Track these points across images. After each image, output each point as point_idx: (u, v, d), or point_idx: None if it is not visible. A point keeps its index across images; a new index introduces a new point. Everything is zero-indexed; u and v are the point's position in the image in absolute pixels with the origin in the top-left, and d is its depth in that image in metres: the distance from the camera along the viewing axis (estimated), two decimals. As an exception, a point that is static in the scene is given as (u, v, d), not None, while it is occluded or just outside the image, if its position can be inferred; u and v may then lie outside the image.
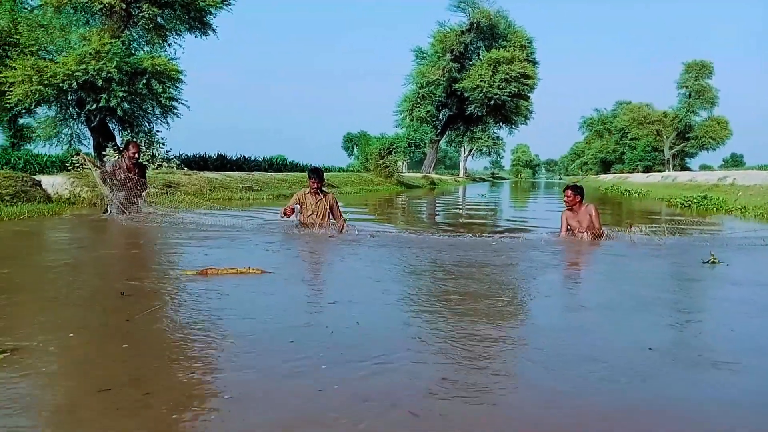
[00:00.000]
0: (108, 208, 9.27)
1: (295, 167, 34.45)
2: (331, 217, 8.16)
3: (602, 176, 64.42)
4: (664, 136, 66.40)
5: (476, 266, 5.48)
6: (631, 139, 72.58)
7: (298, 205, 8.14)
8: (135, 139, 16.05)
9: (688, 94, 63.65)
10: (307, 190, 8.23)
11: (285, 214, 7.93)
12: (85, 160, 9.59)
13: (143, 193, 9.45)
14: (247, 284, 4.45)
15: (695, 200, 17.55)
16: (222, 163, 27.92)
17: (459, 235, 7.96)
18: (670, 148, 66.09)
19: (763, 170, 30.46)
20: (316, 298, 4.29)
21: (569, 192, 7.80)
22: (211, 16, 22.12)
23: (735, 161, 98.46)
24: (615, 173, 67.46)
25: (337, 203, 8.32)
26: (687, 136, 65.69)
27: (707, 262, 5.69)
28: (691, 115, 64.34)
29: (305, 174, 25.53)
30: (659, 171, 57.01)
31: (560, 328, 3.46)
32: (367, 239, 7.22)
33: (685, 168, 64.52)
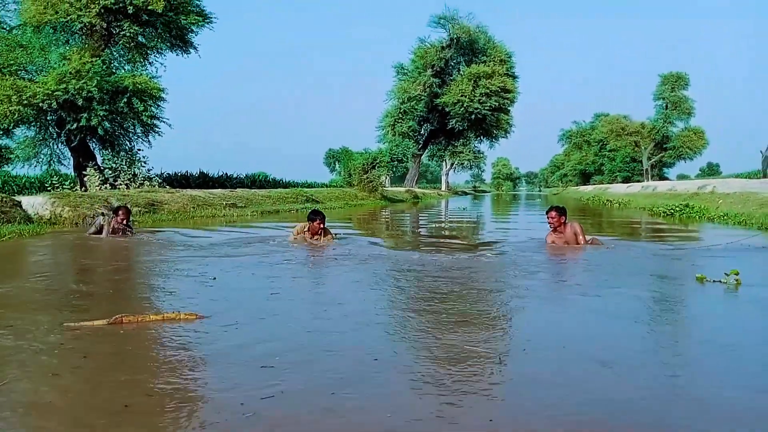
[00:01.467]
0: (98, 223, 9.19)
1: (278, 184, 34.42)
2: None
3: (582, 187, 65.08)
4: (642, 147, 67.21)
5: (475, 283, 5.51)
6: (610, 151, 73.37)
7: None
8: (124, 197, 14.66)
9: (664, 105, 64.59)
10: (306, 228, 8.08)
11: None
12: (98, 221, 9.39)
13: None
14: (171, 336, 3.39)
15: (677, 209, 17.77)
16: (204, 181, 27.81)
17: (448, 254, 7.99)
18: (649, 158, 66.89)
19: (740, 178, 31.01)
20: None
21: (553, 213, 7.72)
22: (193, 35, 22.13)
23: (711, 170, 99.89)
24: (595, 184, 68.17)
25: (331, 240, 8.24)
26: (664, 146, 66.58)
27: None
28: (668, 126, 65.25)
29: (288, 191, 25.63)
30: (638, 181, 57.67)
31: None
32: (357, 261, 7.21)
33: (663, 178, 65.36)
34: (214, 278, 5.34)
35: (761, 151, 34.97)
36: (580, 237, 7.67)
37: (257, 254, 7.16)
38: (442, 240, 10.13)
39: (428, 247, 8.21)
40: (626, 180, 64.18)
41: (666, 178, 64.09)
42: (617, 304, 4.51)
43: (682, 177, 71.81)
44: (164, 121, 21.19)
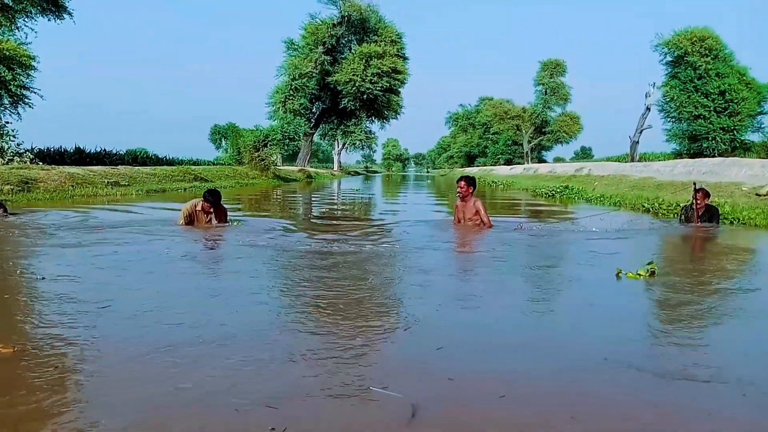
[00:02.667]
0: None
1: (160, 161, 32.75)
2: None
3: (467, 169, 67.41)
4: (523, 131, 70.62)
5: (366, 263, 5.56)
6: (494, 134, 76.56)
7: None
8: None
9: (544, 90, 68.07)
10: (199, 206, 7.63)
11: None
12: None
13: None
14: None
15: (558, 190, 18.89)
16: (81, 157, 25.89)
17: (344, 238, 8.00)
18: (529, 141, 70.43)
19: (611, 161, 33.43)
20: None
21: (462, 183, 7.90)
22: (67, -2, 20.48)
23: (585, 154, 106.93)
24: (479, 166, 70.92)
25: (226, 216, 7.93)
26: (543, 130, 70.29)
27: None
28: (547, 111, 68.89)
29: (174, 168, 24.51)
30: (519, 163, 60.64)
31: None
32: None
33: (542, 160, 69.12)
34: (42, 278, 4.36)
35: (630, 137, 37.78)
36: (482, 214, 7.81)
37: (138, 241, 6.47)
38: (339, 222, 10.13)
39: (328, 232, 8.08)
40: (508, 162, 67.30)
41: (544, 161, 67.81)
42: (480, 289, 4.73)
43: (558, 159, 76.11)
44: (35, 92, 19.60)
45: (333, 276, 4.52)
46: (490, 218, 7.97)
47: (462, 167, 79.27)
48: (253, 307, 3.61)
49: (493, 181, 34.27)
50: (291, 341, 2.91)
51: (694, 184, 8.69)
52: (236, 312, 3.50)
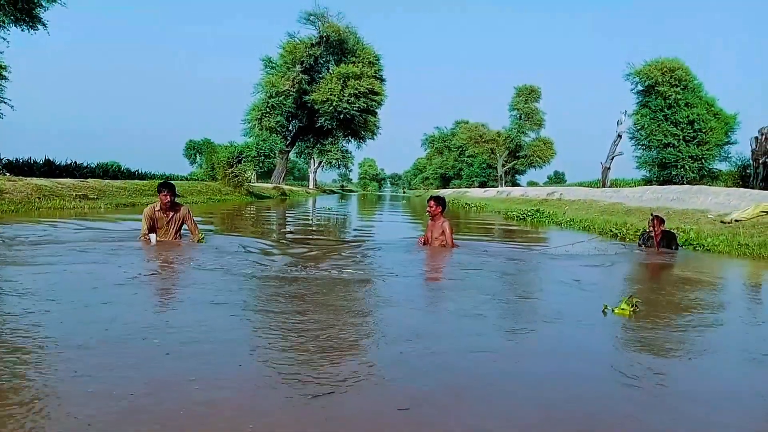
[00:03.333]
0: None
1: (132, 175, 32.37)
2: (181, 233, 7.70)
3: (442, 191, 67.82)
4: (498, 154, 71.36)
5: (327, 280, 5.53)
6: (468, 156, 77.28)
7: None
8: None
9: (518, 116, 69.01)
10: (158, 206, 7.50)
11: (148, 242, 7.31)
12: None
13: None
14: None
15: (529, 213, 19.07)
16: (50, 169, 25.43)
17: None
18: (503, 165, 71.15)
19: (583, 186, 33.92)
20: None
21: (432, 202, 8.11)
22: (42, 9, 20.25)
23: (558, 178, 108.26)
24: (454, 188, 71.41)
25: (191, 215, 7.74)
26: (518, 154, 71.12)
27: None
28: (521, 136, 69.78)
29: (145, 183, 24.20)
30: (493, 186, 61.19)
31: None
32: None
33: (515, 184, 69.88)
34: None
35: (601, 163, 38.39)
36: (447, 235, 7.96)
37: (92, 260, 6.17)
38: (310, 241, 10.07)
39: (296, 253, 7.72)
40: (483, 185, 67.91)
41: (518, 184, 68.57)
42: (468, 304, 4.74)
43: (532, 183, 77.02)
44: (5, 102, 19.27)
45: (292, 309, 4.08)
46: (456, 240, 8.14)
47: (437, 188, 79.74)
48: (191, 348, 3.10)
49: (466, 203, 34.50)
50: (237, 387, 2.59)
51: (651, 214, 9.06)
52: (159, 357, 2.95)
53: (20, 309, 3.75)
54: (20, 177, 17.33)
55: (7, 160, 22.82)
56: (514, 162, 71.68)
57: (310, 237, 10.92)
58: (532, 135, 70.73)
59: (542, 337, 3.76)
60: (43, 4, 19.98)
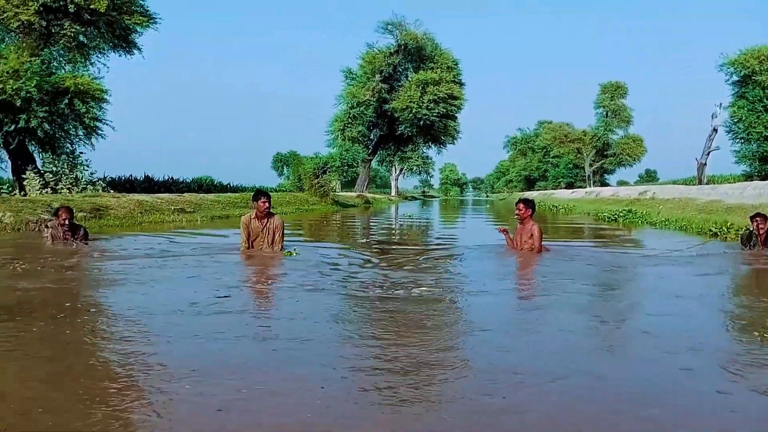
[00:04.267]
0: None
1: (225, 188, 33.81)
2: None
3: (527, 193, 66.48)
4: (585, 154, 69.28)
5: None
6: (553, 157, 75.46)
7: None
8: (67, 204, 11.43)
9: (605, 113, 66.80)
10: (253, 214, 7.72)
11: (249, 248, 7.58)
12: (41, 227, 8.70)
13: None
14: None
15: (621, 214, 18.35)
16: (149, 185, 27.02)
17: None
18: (590, 164, 69.00)
19: (678, 184, 32.30)
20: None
21: (521, 205, 7.91)
22: (137, 35, 21.54)
23: (650, 176, 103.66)
24: (539, 190, 69.81)
25: (283, 228, 7.84)
26: (605, 153, 68.80)
27: None
28: (608, 134, 67.46)
29: (237, 195, 25.15)
30: (581, 187, 59.37)
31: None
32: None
33: (604, 183, 67.54)
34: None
35: (696, 159, 36.49)
36: (535, 238, 7.76)
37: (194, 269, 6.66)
38: (396, 248, 10.13)
39: (382, 263, 7.34)
40: (569, 186, 66.03)
41: (607, 184, 66.24)
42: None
43: (622, 183, 74.21)
44: (107, 123, 20.52)
45: (379, 329, 3.79)
46: (545, 244, 7.99)
47: (521, 191, 78.24)
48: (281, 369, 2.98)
49: (553, 205, 33.65)
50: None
51: (757, 214, 8.35)
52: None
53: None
54: (123, 194, 18.46)
55: (110, 178, 24.36)
56: (602, 161, 69.37)
57: (395, 244, 10.99)
58: (620, 132, 68.32)
59: (691, 385, 2.84)
60: (138, 30, 21.20)
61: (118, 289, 5.32)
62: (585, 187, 55.14)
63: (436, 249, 9.64)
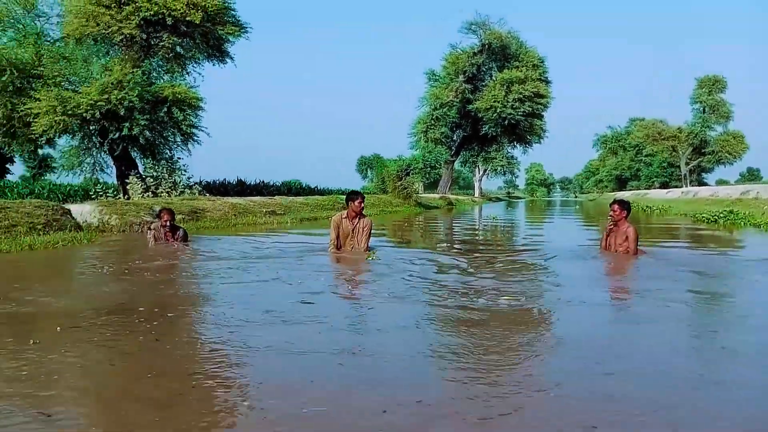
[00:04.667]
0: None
1: (312, 191, 34.58)
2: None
3: (618, 193, 64.00)
4: (680, 152, 65.95)
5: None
6: (647, 156, 72.31)
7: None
8: (168, 206, 11.78)
9: (702, 109, 63.38)
10: (344, 214, 7.85)
11: (337, 248, 7.74)
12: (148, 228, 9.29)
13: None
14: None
15: (721, 215, 17.32)
16: (242, 189, 28.09)
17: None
18: (687, 163, 65.62)
19: (786, 183, 30.13)
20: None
21: (615, 206, 7.64)
22: (229, 44, 22.42)
23: (752, 175, 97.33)
24: (631, 190, 67.06)
25: (371, 228, 7.93)
26: (703, 151, 65.24)
27: None
28: (706, 130, 63.95)
29: (324, 198, 25.70)
30: (676, 186, 56.57)
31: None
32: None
33: (702, 183, 64.03)
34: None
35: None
36: (630, 240, 7.49)
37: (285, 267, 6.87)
38: (483, 250, 10.00)
39: (466, 269, 6.98)
40: (664, 185, 63.09)
41: (705, 184, 62.79)
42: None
43: (721, 182, 70.14)
44: (202, 130, 21.51)
45: (467, 340, 3.54)
46: (640, 247, 7.68)
47: (612, 191, 75.46)
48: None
49: (647, 206, 32.21)
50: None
51: None
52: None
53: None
54: (218, 197, 19.29)
55: (206, 182, 25.51)
56: (700, 159, 65.78)
57: (480, 246, 10.84)
58: (719, 129, 64.61)
59: None
60: (231, 39, 22.07)
61: (211, 290, 5.54)
62: (681, 187, 52.50)
63: (523, 251, 9.44)
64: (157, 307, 4.48)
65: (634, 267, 6.91)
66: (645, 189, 61.69)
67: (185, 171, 21.59)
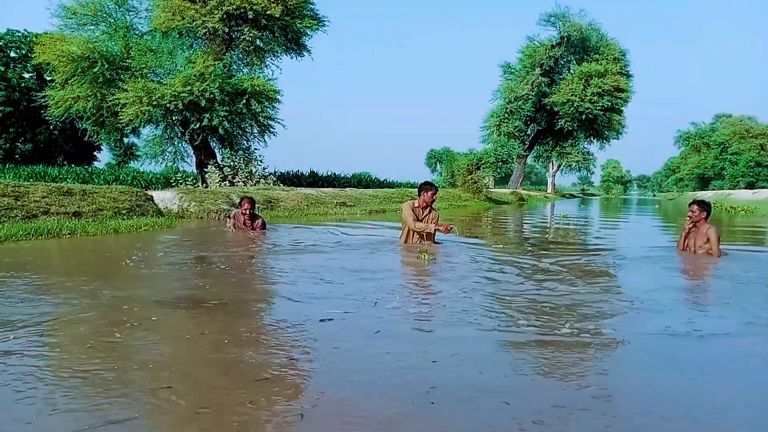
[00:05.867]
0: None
1: (381, 184, 34.85)
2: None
3: (700, 193, 61.14)
4: (770, 151, 62.37)
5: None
6: (732, 154, 68.73)
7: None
8: (248, 195, 12.68)
9: (797, 105, 59.60)
10: (416, 203, 7.89)
11: (421, 231, 7.81)
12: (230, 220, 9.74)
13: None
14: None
15: (815, 219, 16.29)
16: (314, 180, 28.67)
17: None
18: (777, 162, 61.98)
19: None
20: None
21: (695, 207, 7.41)
22: (307, 38, 22.84)
23: None
24: (714, 189, 63.90)
25: (438, 219, 8.03)
26: (796, 150, 61.45)
27: None
28: (800, 128, 60.17)
29: (394, 191, 25.83)
30: (764, 187, 53.50)
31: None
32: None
33: (794, 184, 60.35)
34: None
35: None
36: (713, 242, 7.21)
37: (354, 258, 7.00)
38: (554, 250, 9.80)
39: (533, 273, 6.71)
40: (750, 185, 59.78)
41: (797, 185, 59.05)
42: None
43: (815, 183, 65.76)
44: (279, 122, 22.08)
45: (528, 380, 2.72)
46: (722, 248, 7.33)
47: (693, 191, 72.14)
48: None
49: (731, 207, 30.61)
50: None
51: None
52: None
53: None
54: (291, 187, 19.77)
55: (280, 172, 26.15)
56: (792, 159, 61.93)
57: (552, 246, 10.61)
58: (815, 126, 60.54)
59: None
60: (308, 33, 22.48)
61: (282, 285, 5.68)
62: (770, 188, 49.60)
63: (597, 253, 9.18)
64: (222, 297, 4.65)
65: (720, 269, 6.54)
66: (729, 189, 58.61)
67: (261, 161, 22.24)
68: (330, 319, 3.81)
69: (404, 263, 7.02)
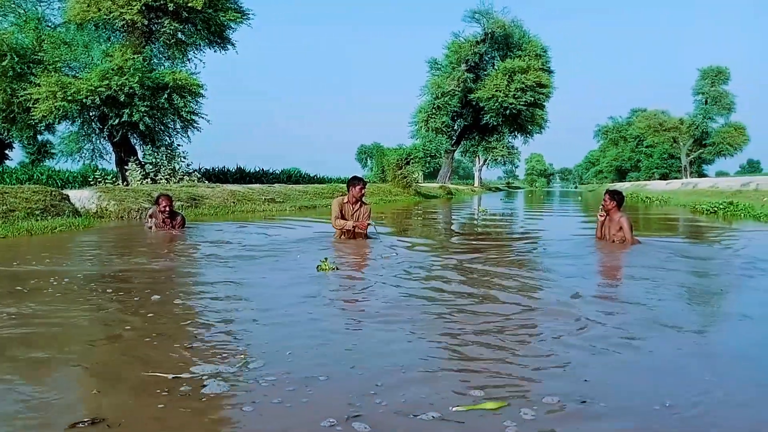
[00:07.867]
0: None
1: (311, 179, 34.65)
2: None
3: (618, 184, 63.96)
4: (681, 143, 65.90)
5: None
6: (647, 147, 72.23)
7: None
8: (167, 192, 11.55)
9: (704, 100, 63.21)
10: (346, 199, 7.90)
11: (344, 228, 7.80)
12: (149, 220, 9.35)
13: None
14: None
15: (721, 206, 17.34)
16: (241, 176, 28.14)
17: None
18: (687, 155, 65.57)
19: (786, 176, 30.11)
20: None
21: (606, 196, 7.79)
22: (231, 31, 22.34)
23: (753, 167, 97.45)
24: (631, 181, 67.04)
25: (369, 215, 8.00)
26: (704, 142, 65.16)
27: None
28: (707, 122, 63.83)
29: (324, 186, 25.71)
30: (676, 178, 56.57)
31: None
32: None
33: (702, 175, 64.03)
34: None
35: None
36: (625, 229, 7.53)
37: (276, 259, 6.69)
38: (480, 240, 10.02)
39: (462, 260, 6.73)
40: (664, 177, 63.10)
41: (705, 175, 62.82)
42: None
43: (721, 174, 70.25)
44: (203, 117, 21.51)
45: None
46: (636, 236, 7.71)
47: (612, 182, 75.41)
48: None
49: (647, 197, 32.23)
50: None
51: None
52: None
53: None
54: (217, 184, 19.30)
55: (205, 169, 25.53)
56: (700, 151, 65.77)
57: (478, 237, 10.84)
58: (721, 121, 64.50)
59: None
60: (232, 26, 21.99)
61: (205, 283, 5.55)
62: (681, 179, 52.51)
63: (524, 240, 9.45)
64: (142, 291, 4.50)
65: (633, 255, 6.85)
66: (645, 180, 61.65)
67: (185, 158, 21.64)
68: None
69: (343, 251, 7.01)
